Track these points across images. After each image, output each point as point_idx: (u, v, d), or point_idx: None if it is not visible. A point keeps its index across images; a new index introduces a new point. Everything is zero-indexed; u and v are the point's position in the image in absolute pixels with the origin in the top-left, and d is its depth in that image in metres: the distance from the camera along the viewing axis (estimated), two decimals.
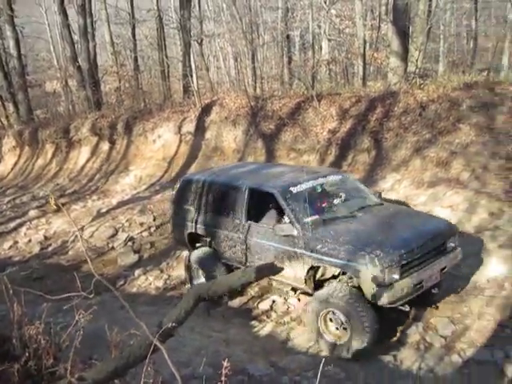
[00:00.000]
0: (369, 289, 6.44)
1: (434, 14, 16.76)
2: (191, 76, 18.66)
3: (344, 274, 6.88)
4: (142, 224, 12.90)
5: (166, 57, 22.77)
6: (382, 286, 6.33)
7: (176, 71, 24.52)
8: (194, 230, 8.93)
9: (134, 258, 11.35)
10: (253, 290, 9.19)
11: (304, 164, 12.75)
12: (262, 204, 8.30)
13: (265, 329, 8.05)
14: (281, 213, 7.88)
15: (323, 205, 7.93)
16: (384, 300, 6.40)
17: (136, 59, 24.82)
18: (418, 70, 14.73)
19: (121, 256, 11.44)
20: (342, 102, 13.71)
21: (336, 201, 8.08)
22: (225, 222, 8.31)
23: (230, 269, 8.64)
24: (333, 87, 17.05)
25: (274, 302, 8.70)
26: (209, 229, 8.66)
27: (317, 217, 7.32)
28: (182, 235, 9.25)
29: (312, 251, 6.98)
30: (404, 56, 14.79)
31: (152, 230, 12.53)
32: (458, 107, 12.05)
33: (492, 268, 8.21)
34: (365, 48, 18.47)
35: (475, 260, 8.36)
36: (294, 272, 7.31)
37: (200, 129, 16.39)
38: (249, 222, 7.96)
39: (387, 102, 12.97)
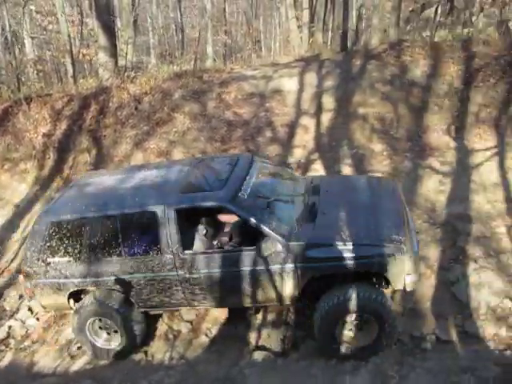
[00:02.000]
0: (399, 279, 5.68)
1: (137, 7, 16.96)
2: None
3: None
4: None
5: None
6: (411, 270, 5.71)
7: None
8: (80, 287, 6.69)
9: None
10: None
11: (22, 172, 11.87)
12: (192, 225, 6.81)
13: (5, 359, 7.52)
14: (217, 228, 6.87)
15: (274, 201, 6.52)
16: (415, 283, 5.85)
17: None
18: (128, 64, 14.78)
19: None
20: (53, 103, 13.02)
21: (276, 191, 6.80)
22: (143, 262, 6.30)
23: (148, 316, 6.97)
24: (43, 88, 16.13)
25: (10, 327, 8.06)
26: (114, 277, 6.47)
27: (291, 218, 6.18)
28: (60, 297, 6.78)
29: (313, 261, 5.73)
30: (113, 50, 14.69)
31: None
32: (170, 97, 12.51)
33: None
34: (71, 45, 17.82)
35: None
36: (282, 291, 6.00)
37: None
38: (186, 251, 6.19)
39: (101, 99, 12.76)
